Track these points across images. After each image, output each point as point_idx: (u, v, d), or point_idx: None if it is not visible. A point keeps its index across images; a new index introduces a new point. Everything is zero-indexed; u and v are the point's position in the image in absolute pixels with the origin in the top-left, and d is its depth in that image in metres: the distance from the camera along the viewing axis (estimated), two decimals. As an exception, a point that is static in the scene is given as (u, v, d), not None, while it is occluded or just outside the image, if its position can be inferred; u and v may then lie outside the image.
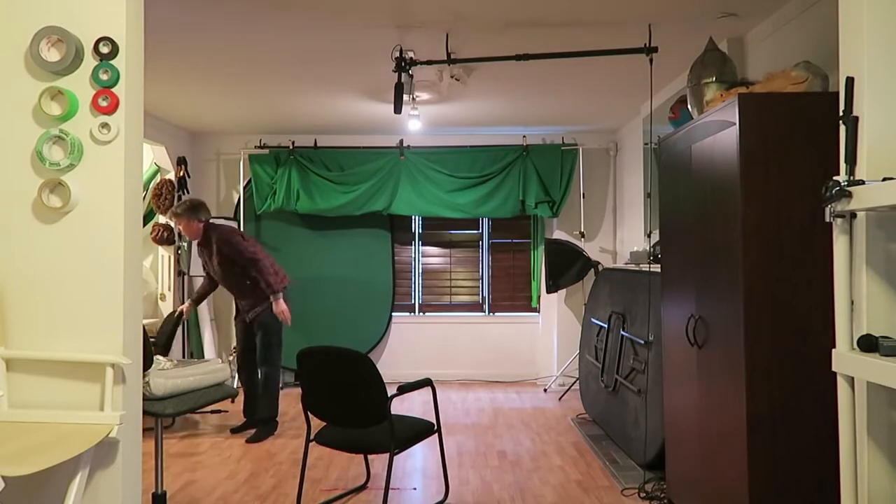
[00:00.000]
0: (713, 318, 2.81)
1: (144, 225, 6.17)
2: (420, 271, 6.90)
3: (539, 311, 6.78)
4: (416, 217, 6.86)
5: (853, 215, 1.88)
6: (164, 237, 6.09)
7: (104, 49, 2.23)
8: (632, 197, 6.07)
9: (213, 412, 5.20)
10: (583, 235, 6.59)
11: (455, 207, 6.48)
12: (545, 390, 6.38)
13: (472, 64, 4.23)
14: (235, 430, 4.89)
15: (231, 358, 6.46)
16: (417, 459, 4.28)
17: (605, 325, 4.93)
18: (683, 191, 3.14)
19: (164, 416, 3.19)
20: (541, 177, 6.44)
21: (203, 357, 6.30)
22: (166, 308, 6.23)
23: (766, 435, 2.51)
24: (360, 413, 3.15)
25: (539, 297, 6.74)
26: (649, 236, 5.33)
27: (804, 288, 2.52)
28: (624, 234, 6.39)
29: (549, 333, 6.70)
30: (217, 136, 6.73)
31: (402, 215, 6.67)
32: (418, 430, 3.30)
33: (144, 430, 2.55)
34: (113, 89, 2.23)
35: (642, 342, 4.16)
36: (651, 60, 3.74)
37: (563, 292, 6.60)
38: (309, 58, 4.17)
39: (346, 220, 6.65)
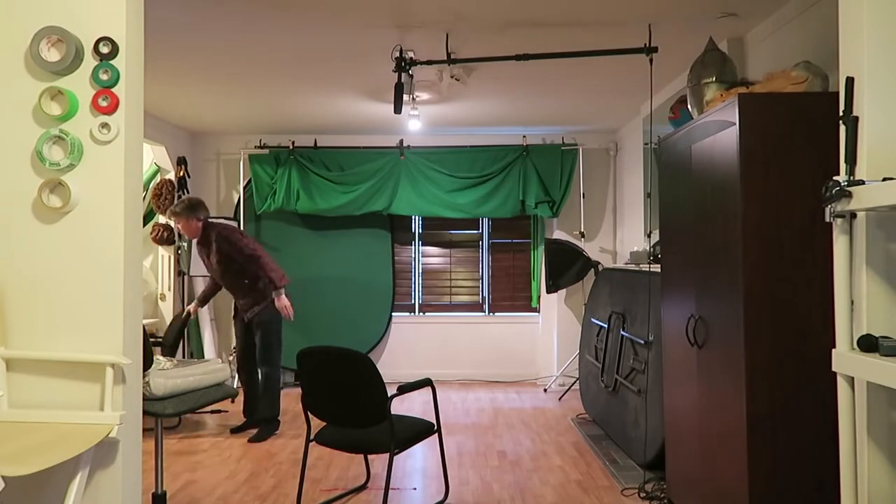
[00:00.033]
0: (713, 318, 2.81)
1: (144, 225, 6.17)
2: (420, 271, 6.90)
3: (539, 311, 6.78)
4: (416, 217, 6.86)
5: (853, 215, 1.88)
6: (164, 237, 6.09)
7: (104, 49, 2.23)
8: (632, 197, 6.07)
9: (213, 412, 5.20)
10: (583, 235, 6.59)
11: (455, 207, 6.48)
12: (545, 390, 6.38)
13: (472, 64, 4.23)
14: (235, 430, 4.89)
15: (231, 358, 6.46)
16: (417, 459, 4.28)
17: (605, 325, 4.93)
18: (683, 191, 3.14)
19: (164, 416, 3.19)
20: (541, 177, 6.44)
21: (203, 357, 6.30)
22: (166, 308, 6.23)
23: (766, 435, 2.51)
24: (360, 413, 3.15)
25: (539, 297, 6.75)
26: (649, 236, 5.33)
27: (804, 288, 2.52)
28: (624, 234, 6.39)
29: (549, 333, 6.70)
30: (217, 136, 6.73)
31: (402, 215, 6.67)
32: (418, 430, 3.30)
33: (144, 430, 2.55)
34: (113, 89, 2.23)
35: (642, 342, 4.16)
36: (651, 60, 3.74)
37: (563, 292, 6.60)
38: (309, 58, 4.17)
39: (346, 220, 6.65)
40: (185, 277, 6.30)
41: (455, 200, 6.47)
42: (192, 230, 4.70)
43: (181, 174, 6.30)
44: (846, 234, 1.87)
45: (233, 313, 5.15)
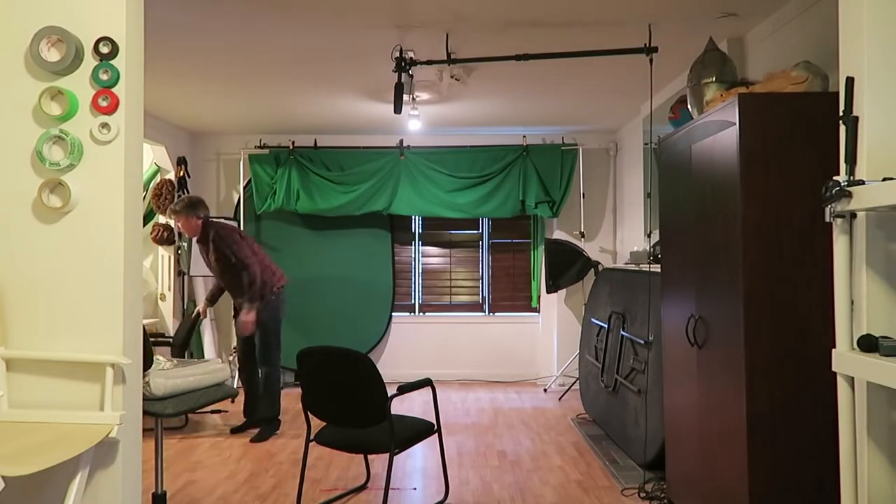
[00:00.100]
0: (713, 318, 2.81)
1: (144, 225, 6.17)
2: (420, 271, 6.90)
3: (539, 311, 6.78)
4: (416, 217, 6.86)
5: (853, 215, 1.88)
6: (164, 237, 6.09)
7: (104, 49, 2.23)
8: (632, 197, 6.07)
9: (213, 412, 5.20)
10: (583, 235, 6.59)
11: (455, 207, 6.48)
12: (545, 390, 6.38)
13: (472, 64, 4.23)
14: (235, 430, 4.89)
15: (231, 358, 6.47)
16: (417, 459, 4.28)
17: (605, 325, 4.93)
18: (683, 191, 3.14)
19: (164, 416, 3.19)
20: (541, 177, 6.44)
21: (203, 357, 6.30)
22: (166, 308, 6.23)
23: (766, 435, 2.51)
24: (360, 413, 3.15)
25: (539, 297, 6.74)
26: (649, 236, 5.33)
27: (804, 288, 2.52)
28: (624, 234, 6.39)
29: (549, 333, 6.70)
30: (217, 136, 6.73)
31: (402, 215, 6.67)
32: (418, 430, 3.30)
33: (144, 430, 2.55)
34: (113, 89, 2.23)
35: (642, 342, 4.16)
36: (651, 60, 3.74)
37: (563, 292, 6.60)
38: (309, 58, 4.17)
39: (346, 220, 6.65)
40: (185, 277, 6.30)
41: (455, 200, 6.47)
42: (191, 228, 4.70)
43: (181, 174, 6.30)
44: (846, 234, 1.87)
45: (233, 313, 5.15)
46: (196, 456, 4.35)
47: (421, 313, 6.90)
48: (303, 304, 6.54)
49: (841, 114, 1.93)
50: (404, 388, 3.22)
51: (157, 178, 6.26)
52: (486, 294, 6.89)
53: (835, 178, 1.86)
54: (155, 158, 6.24)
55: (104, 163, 2.24)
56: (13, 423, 2.16)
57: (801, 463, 2.51)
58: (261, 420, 4.79)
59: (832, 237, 1.91)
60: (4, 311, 2.22)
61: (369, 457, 4.07)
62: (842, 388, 1.87)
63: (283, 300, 4.89)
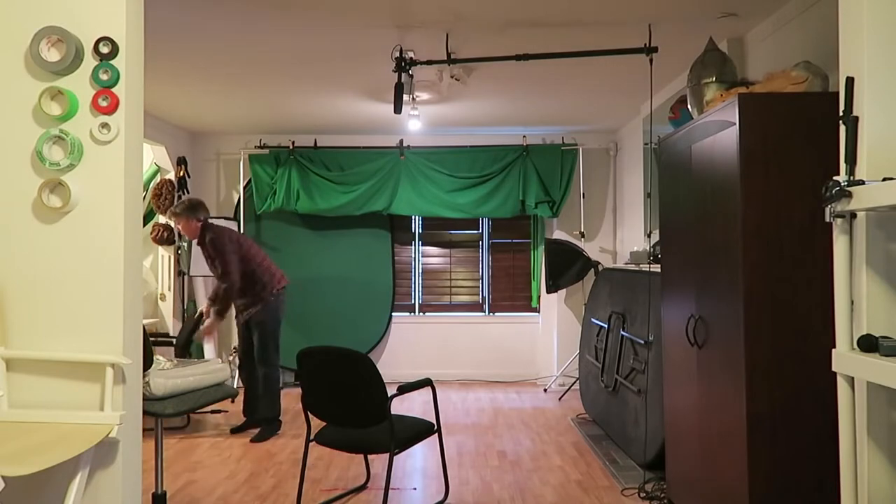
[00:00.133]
0: (713, 318, 2.81)
1: (144, 225, 6.17)
2: (420, 271, 6.90)
3: (539, 311, 6.78)
4: (416, 217, 6.86)
5: (853, 215, 1.88)
6: (164, 237, 6.09)
7: (104, 49, 2.23)
8: (632, 197, 6.07)
9: (213, 412, 5.20)
10: (583, 235, 6.59)
11: (455, 207, 6.48)
12: (545, 390, 6.38)
13: (472, 64, 4.23)
14: (235, 430, 4.89)
15: (231, 358, 6.47)
16: (417, 459, 4.28)
17: (605, 325, 4.93)
18: (683, 191, 3.14)
19: (164, 416, 3.19)
20: (541, 177, 6.44)
21: (203, 357, 6.29)
22: (166, 308, 6.23)
23: (766, 435, 2.51)
24: (360, 413, 3.15)
25: (539, 297, 6.74)
26: (649, 236, 5.33)
27: (804, 288, 2.52)
28: (624, 234, 6.39)
29: (549, 333, 6.70)
30: (217, 136, 6.73)
31: (402, 215, 6.67)
32: (418, 430, 3.30)
33: (144, 430, 2.55)
34: (113, 89, 2.23)
35: (642, 342, 4.16)
36: (651, 60, 3.74)
37: (563, 292, 6.60)
38: (309, 58, 4.17)
39: (346, 220, 6.65)
40: (185, 277, 6.30)
41: (455, 200, 6.47)
42: (191, 231, 4.71)
43: (181, 174, 6.30)
44: (846, 234, 1.87)
45: (235, 313, 5.16)
46: (196, 456, 4.35)
47: (421, 313, 6.90)
48: (303, 304, 6.54)
49: (841, 114, 1.93)
50: (404, 388, 3.22)
51: (157, 178, 6.26)
52: (486, 294, 6.89)
53: (835, 178, 1.86)
54: (155, 158, 6.24)
55: (104, 163, 2.24)
56: (13, 423, 2.16)
57: (801, 463, 2.51)
58: (261, 420, 4.80)
59: (832, 237, 1.91)
60: (4, 311, 2.22)
61: (369, 457, 4.07)
62: (842, 388, 1.87)
63: (283, 301, 4.89)
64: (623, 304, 4.68)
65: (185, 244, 5.98)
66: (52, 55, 2.21)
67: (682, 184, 3.14)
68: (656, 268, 4.00)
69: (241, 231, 6.55)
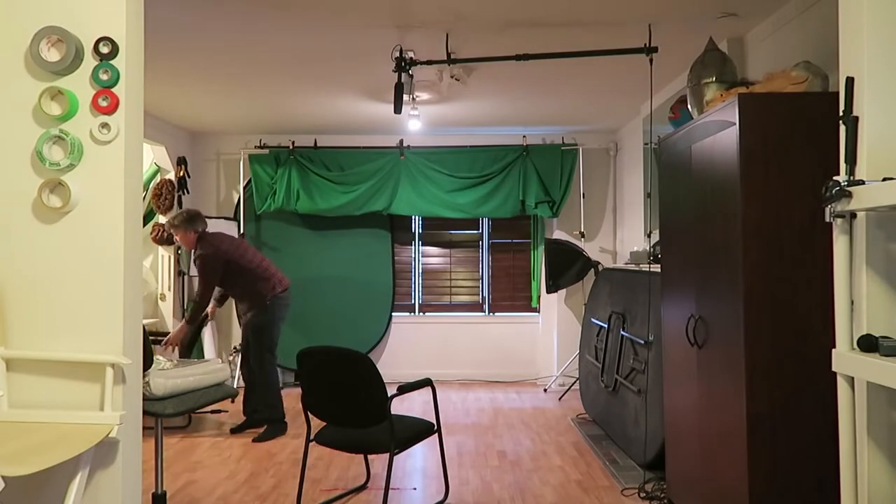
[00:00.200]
0: (713, 318, 2.81)
1: (144, 225, 6.17)
2: (420, 271, 6.90)
3: (539, 311, 6.78)
4: (416, 217, 6.86)
5: (853, 215, 1.88)
6: (164, 237, 6.09)
7: (104, 49, 2.23)
8: (632, 197, 6.07)
9: (213, 412, 5.20)
10: (583, 235, 6.59)
11: (455, 207, 6.48)
12: (545, 390, 6.38)
13: (472, 64, 4.23)
14: (235, 430, 4.89)
15: (231, 358, 6.47)
16: (417, 459, 4.28)
17: (605, 325, 4.93)
18: (683, 191, 3.14)
19: (164, 416, 3.19)
20: (541, 177, 6.44)
21: (203, 357, 6.30)
22: (166, 308, 6.23)
23: (766, 435, 2.51)
24: (360, 413, 3.15)
25: (539, 297, 6.74)
26: (649, 236, 5.33)
27: (804, 288, 2.52)
28: (624, 234, 6.39)
29: (549, 333, 6.70)
30: (217, 136, 6.73)
31: (402, 215, 6.67)
32: (418, 430, 3.30)
33: (144, 429, 2.55)
34: (113, 89, 2.23)
35: (642, 342, 4.16)
36: (651, 60, 3.74)
37: (563, 292, 6.60)
38: (309, 58, 4.17)
39: (346, 220, 6.65)
40: (185, 277, 6.30)
41: (455, 200, 6.47)
42: (188, 242, 4.79)
43: (181, 174, 6.30)
44: (846, 234, 1.87)
45: (236, 314, 5.19)
46: (196, 456, 4.35)
47: (421, 313, 6.90)
48: (303, 304, 6.53)
49: (841, 114, 1.93)
50: (404, 388, 3.22)
51: (157, 178, 6.26)
52: (486, 294, 6.89)
53: (835, 178, 1.86)
54: (155, 158, 6.24)
55: (104, 163, 2.24)
56: (13, 423, 2.16)
57: (801, 463, 2.51)
58: (264, 420, 4.80)
59: (832, 237, 1.91)
60: (4, 311, 2.22)
61: (369, 457, 4.07)
62: (842, 388, 1.87)
63: (282, 305, 4.89)
64: (623, 304, 4.68)
65: (185, 244, 5.98)
66: (52, 55, 2.21)
67: (682, 184, 3.14)
68: (656, 268, 4.00)
69: (242, 231, 6.55)
